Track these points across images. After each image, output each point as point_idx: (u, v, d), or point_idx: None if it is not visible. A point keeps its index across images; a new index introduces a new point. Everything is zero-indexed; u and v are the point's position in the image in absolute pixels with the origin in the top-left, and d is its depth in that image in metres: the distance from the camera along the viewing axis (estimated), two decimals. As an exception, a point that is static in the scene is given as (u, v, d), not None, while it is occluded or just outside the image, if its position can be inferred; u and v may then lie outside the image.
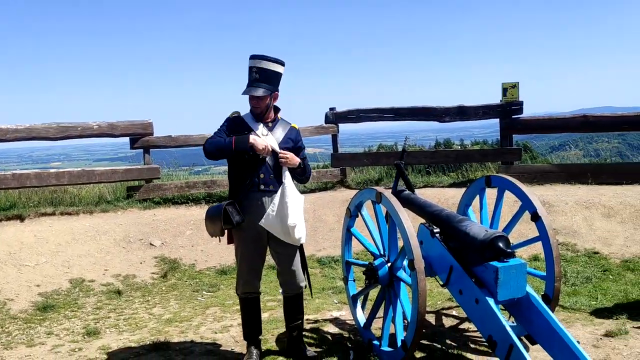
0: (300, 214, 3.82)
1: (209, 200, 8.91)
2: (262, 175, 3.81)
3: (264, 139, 3.77)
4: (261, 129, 3.84)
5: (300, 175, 3.98)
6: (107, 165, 11.36)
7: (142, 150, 9.03)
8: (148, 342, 4.50)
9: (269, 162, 3.82)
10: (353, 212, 4.31)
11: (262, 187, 3.81)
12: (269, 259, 4.14)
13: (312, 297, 4.96)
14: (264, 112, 3.84)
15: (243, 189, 3.82)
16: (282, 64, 3.83)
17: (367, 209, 4.34)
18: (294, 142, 3.95)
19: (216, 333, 4.72)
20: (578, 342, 3.27)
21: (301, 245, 3.97)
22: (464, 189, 4.67)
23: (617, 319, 4.44)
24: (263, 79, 3.76)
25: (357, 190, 4.25)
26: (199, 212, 8.44)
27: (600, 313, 4.65)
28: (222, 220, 3.72)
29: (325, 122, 10.20)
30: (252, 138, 3.72)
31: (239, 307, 5.36)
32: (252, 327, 4.03)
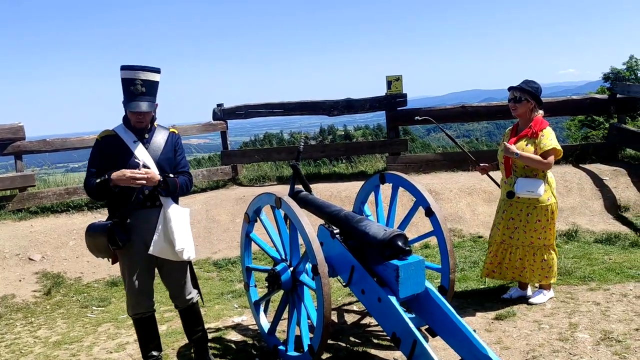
0: (187, 232, 3.65)
1: (91, 207, 8.38)
2: (146, 192, 3.56)
3: (143, 159, 3.52)
4: (139, 149, 3.55)
5: (167, 192, 3.59)
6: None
7: (13, 156, 8.34)
8: (35, 371, 4.16)
9: None
10: (252, 217, 4.22)
11: (148, 203, 3.58)
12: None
13: (203, 305, 4.80)
14: (147, 126, 3.61)
15: (127, 207, 3.54)
16: (160, 72, 3.63)
17: (266, 214, 4.28)
18: (175, 150, 3.72)
19: (111, 353, 4.44)
20: (474, 330, 3.45)
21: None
22: (355, 182, 4.74)
23: (503, 301, 4.72)
24: (148, 91, 3.53)
25: (255, 196, 4.14)
26: (82, 220, 7.92)
27: (488, 296, 4.93)
28: (107, 240, 3.48)
29: (214, 119, 9.96)
30: (115, 176, 3.43)
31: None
32: (150, 346, 3.79)
